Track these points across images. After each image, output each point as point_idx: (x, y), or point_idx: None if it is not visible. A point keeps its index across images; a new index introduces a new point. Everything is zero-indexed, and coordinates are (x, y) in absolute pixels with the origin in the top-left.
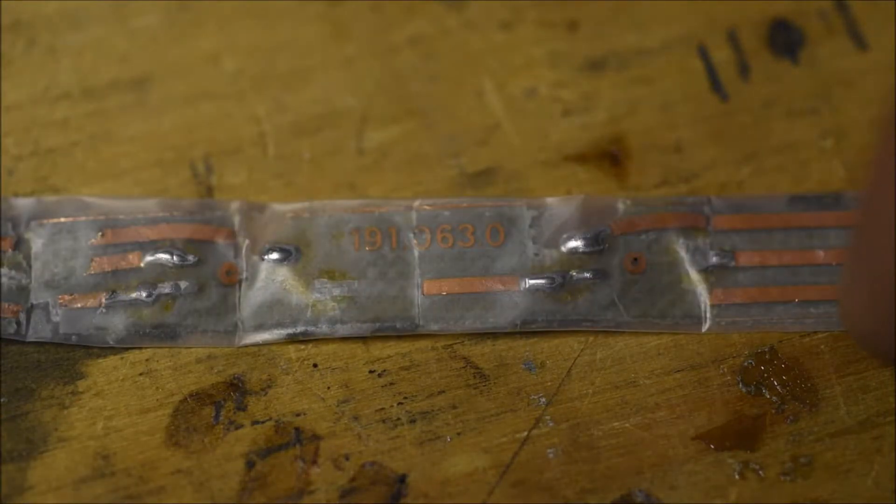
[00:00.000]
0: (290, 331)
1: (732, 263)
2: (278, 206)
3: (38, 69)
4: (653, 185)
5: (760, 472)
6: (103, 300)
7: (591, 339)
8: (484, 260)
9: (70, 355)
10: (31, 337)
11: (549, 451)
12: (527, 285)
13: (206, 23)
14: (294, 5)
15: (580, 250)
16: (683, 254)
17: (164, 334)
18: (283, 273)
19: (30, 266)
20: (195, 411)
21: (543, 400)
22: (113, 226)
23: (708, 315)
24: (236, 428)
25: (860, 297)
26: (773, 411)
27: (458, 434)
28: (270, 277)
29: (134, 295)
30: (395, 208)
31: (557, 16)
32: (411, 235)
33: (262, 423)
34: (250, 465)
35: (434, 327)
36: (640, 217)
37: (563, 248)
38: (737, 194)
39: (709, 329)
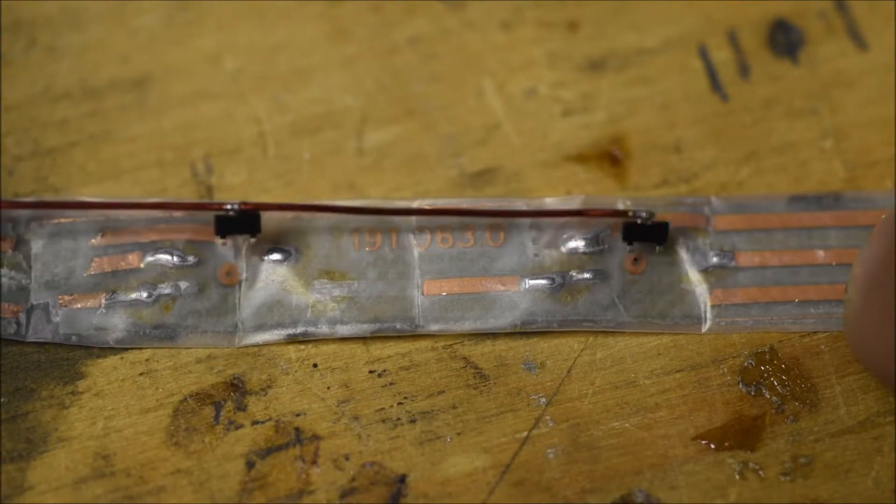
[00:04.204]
0: (290, 331)
1: (732, 263)
2: None
3: (38, 69)
4: (653, 185)
5: (760, 472)
6: (103, 301)
7: (591, 339)
8: (484, 260)
9: (70, 355)
10: (31, 337)
11: (549, 451)
12: (527, 286)
13: (206, 23)
14: (294, 5)
15: (580, 250)
16: (683, 254)
17: (164, 335)
18: (283, 273)
19: (30, 266)
20: (195, 411)
21: (543, 400)
22: (113, 226)
23: (708, 315)
24: (236, 428)
25: (885, 338)
26: (773, 411)
27: (458, 434)
28: (270, 278)
29: (134, 295)
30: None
31: (557, 16)
32: (411, 236)
33: (262, 423)
34: (250, 465)
35: (434, 328)
36: None
37: (563, 249)
38: (737, 194)
39: (709, 329)
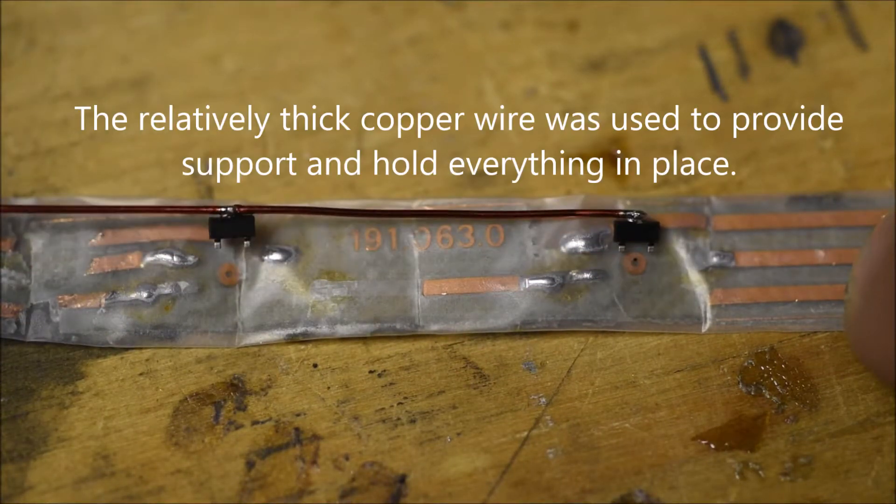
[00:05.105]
0: (290, 331)
1: (732, 263)
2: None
3: (38, 69)
4: (653, 185)
5: (760, 472)
6: (103, 300)
7: (591, 339)
8: (484, 260)
9: (70, 355)
10: (31, 337)
11: (549, 451)
12: (527, 286)
13: (206, 23)
14: (294, 5)
15: (580, 250)
16: (683, 254)
17: (164, 335)
18: (283, 273)
19: (30, 266)
20: (195, 411)
21: (543, 400)
22: (113, 226)
23: (708, 315)
24: (236, 428)
25: (885, 338)
26: (773, 411)
27: (458, 434)
28: (270, 278)
29: (134, 295)
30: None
31: (557, 16)
32: (411, 236)
33: (262, 423)
34: (250, 465)
35: (434, 328)
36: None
37: (563, 249)
38: (737, 194)
39: (709, 329)
